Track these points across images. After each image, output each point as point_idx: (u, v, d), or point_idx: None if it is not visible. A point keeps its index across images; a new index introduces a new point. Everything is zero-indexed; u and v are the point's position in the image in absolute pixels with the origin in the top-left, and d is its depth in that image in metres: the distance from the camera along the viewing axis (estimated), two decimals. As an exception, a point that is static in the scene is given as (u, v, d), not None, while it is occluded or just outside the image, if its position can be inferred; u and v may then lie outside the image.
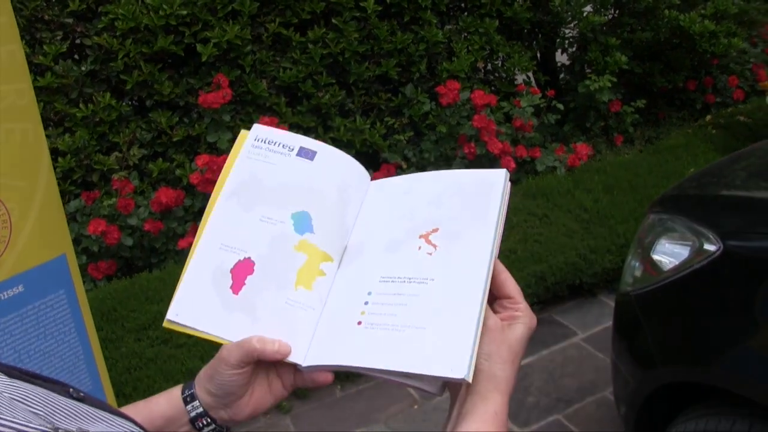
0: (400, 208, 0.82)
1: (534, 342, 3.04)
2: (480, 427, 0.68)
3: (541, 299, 3.20)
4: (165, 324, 0.79)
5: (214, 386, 0.75)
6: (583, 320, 3.17)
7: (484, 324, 0.71)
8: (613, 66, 4.53)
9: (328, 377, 0.75)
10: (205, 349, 2.72)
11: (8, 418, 0.42)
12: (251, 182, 0.84)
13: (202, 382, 0.76)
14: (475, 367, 0.68)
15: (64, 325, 1.58)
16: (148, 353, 2.72)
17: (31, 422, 0.45)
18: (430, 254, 0.75)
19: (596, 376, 2.80)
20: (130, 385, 2.58)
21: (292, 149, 0.86)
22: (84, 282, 3.23)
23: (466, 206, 0.78)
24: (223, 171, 0.86)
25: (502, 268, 0.77)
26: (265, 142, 0.87)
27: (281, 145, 0.87)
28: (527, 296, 3.40)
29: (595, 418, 2.59)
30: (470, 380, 0.66)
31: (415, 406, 2.71)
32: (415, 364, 0.67)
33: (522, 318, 0.76)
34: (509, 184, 0.81)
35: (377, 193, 0.86)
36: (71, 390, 0.58)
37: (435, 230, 0.77)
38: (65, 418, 0.51)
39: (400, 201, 0.83)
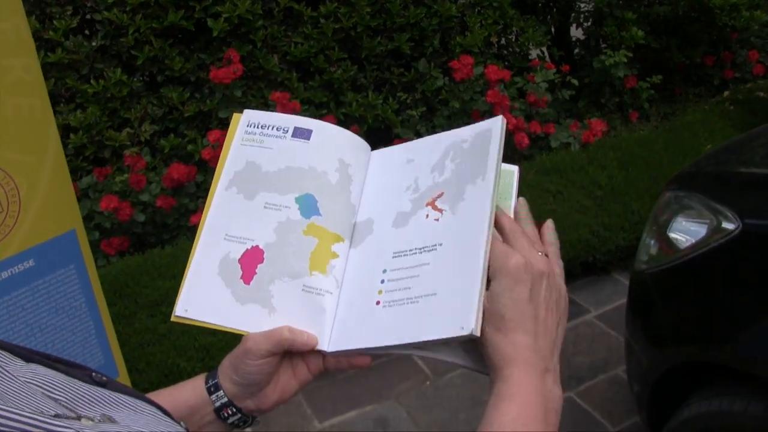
0: (404, 178, 0.80)
1: (546, 319, 3.04)
2: (496, 413, 0.62)
3: (553, 276, 3.18)
4: (173, 319, 0.78)
5: (239, 376, 0.74)
6: (596, 298, 3.16)
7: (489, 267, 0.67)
8: (629, 41, 4.45)
9: (366, 359, 0.73)
10: (218, 324, 2.73)
11: (10, 409, 0.40)
12: (249, 169, 0.82)
13: (226, 372, 0.75)
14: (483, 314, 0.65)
15: (75, 299, 1.59)
16: (160, 329, 2.73)
17: (42, 410, 0.43)
18: (437, 220, 0.73)
19: (609, 354, 2.79)
20: (144, 360, 2.59)
21: (287, 131, 0.84)
22: (97, 258, 3.30)
23: (466, 163, 0.75)
24: (219, 161, 0.83)
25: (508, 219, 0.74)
26: (257, 127, 0.85)
27: (275, 128, 0.84)
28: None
29: (607, 396, 2.58)
30: (477, 334, 0.64)
31: (427, 383, 2.71)
32: (430, 331, 0.66)
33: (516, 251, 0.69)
34: (505, 128, 0.78)
35: (380, 165, 0.84)
36: (94, 374, 0.57)
37: (440, 195, 0.75)
38: (87, 404, 0.50)
39: (403, 171, 0.81)
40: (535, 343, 0.65)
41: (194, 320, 0.77)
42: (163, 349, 2.64)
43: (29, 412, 0.41)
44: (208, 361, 2.60)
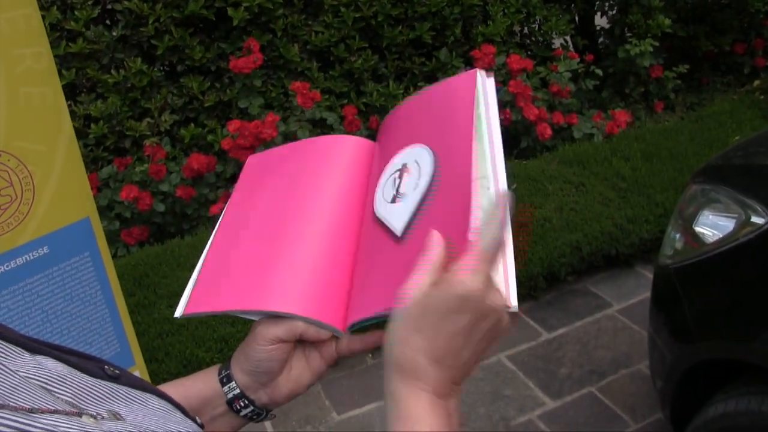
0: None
1: (568, 313, 3.01)
2: None
3: (575, 269, 3.16)
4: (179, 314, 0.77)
5: (250, 364, 0.72)
6: (619, 291, 3.12)
7: None
8: (656, 29, 4.36)
9: (379, 336, 0.64)
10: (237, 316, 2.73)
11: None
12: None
13: (238, 362, 0.73)
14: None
15: (90, 287, 1.59)
16: (179, 319, 2.72)
17: (38, 406, 0.42)
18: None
19: (631, 348, 2.75)
20: (162, 350, 2.60)
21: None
22: (117, 248, 3.32)
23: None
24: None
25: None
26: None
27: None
28: (561, 266, 3.35)
29: (629, 391, 2.54)
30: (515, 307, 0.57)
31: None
32: None
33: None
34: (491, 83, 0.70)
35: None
36: (107, 367, 0.56)
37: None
38: (95, 399, 0.49)
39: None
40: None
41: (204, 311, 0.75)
42: (181, 339, 2.65)
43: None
44: (227, 351, 2.61)
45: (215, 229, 0.84)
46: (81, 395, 0.48)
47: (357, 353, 0.74)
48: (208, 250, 0.82)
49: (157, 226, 3.51)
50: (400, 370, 0.56)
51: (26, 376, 0.46)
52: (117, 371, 0.56)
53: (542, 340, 2.86)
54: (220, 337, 2.66)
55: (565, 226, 3.18)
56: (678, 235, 1.88)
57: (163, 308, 2.79)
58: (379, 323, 0.64)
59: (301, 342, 0.73)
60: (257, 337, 0.71)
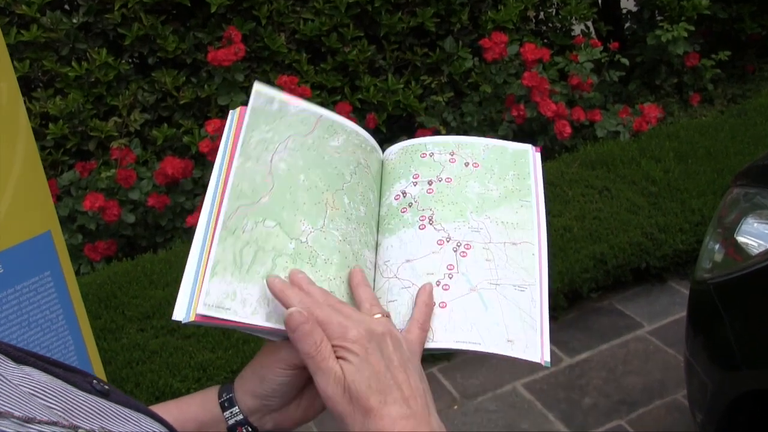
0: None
1: (592, 334, 3.01)
2: None
3: (600, 285, 3.15)
4: (191, 319, 0.72)
5: (265, 388, 0.74)
6: (650, 310, 3.11)
7: None
8: (691, 11, 4.38)
9: None
10: (217, 339, 2.72)
11: None
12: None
13: (246, 384, 0.75)
14: None
15: (51, 311, 1.58)
16: (152, 345, 2.73)
17: (36, 416, 0.44)
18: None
19: (665, 375, 2.74)
20: (132, 380, 2.59)
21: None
22: (80, 264, 3.31)
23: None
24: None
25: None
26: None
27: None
28: (584, 281, 3.35)
29: (665, 424, 2.53)
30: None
31: (455, 407, 2.68)
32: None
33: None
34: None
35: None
36: (95, 382, 0.57)
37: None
38: (85, 415, 0.50)
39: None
40: (410, 410, 0.65)
41: (220, 319, 0.71)
42: (153, 368, 2.63)
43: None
44: (204, 381, 2.60)
45: (216, 191, 0.78)
46: (71, 409, 0.49)
47: None
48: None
49: (126, 239, 3.50)
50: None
51: (18, 385, 0.48)
52: (106, 387, 0.57)
53: (563, 366, 2.85)
54: (197, 364, 2.64)
55: (587, 236, 3.17)
56: (717, 246, 1.87)
57: (133, 333, 2.78)
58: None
59: None
60: (281, 361, 0.72)
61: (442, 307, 0.79)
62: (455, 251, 0.82)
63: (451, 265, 0.81)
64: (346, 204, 0.82)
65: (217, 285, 0.71)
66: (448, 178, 0.88)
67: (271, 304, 0.73)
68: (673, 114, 4.47)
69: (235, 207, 0.76)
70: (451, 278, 0.80)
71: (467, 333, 0.77)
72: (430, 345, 0.77)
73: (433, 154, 0.91)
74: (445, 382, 2.78)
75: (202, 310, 0.70)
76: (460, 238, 0.83)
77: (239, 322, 0.71)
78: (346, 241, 0.80)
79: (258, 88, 0.85)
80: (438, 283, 0.80)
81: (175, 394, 2.54)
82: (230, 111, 0.85)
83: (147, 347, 2.72)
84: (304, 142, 0.84)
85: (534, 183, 0.90)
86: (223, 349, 2.69)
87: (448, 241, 0.83)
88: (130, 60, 3.78)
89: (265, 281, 0.73)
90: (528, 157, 0.92)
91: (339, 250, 0.79)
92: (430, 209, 0.85)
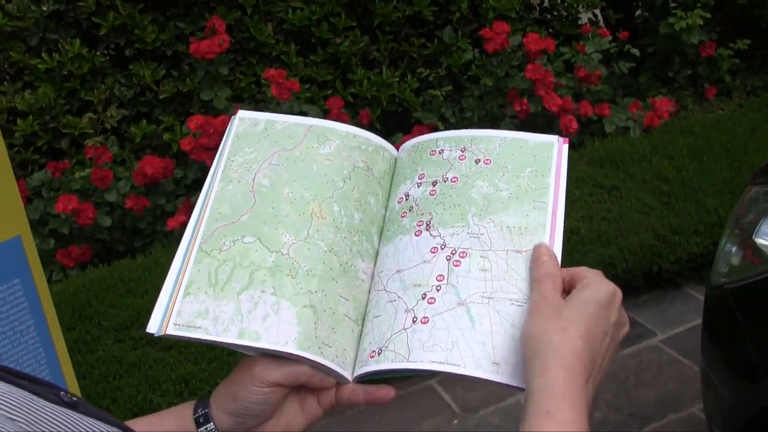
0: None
1: (601, 344, 3.00)
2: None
3: (610, 291, 3.15)
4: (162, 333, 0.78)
5: (239, 405, 0.75)
6: (663, 317, 3.11)
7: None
8: (707, -3, 4.38)
9: (389, 391, 0.77)
10: (200, 350, 2.72)
11: None
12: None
13: (220, 401, 0.76)
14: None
15: (20, 322, 1.57)
16: (130, 357, 2.73)
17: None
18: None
19: (680, 387, 2.74)
20: (109, 396, 2.58)
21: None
22: (52, 271, 3.30)
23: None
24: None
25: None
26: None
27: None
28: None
29: (679, 439, 2.53)
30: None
31: (455, 421, 2.68)
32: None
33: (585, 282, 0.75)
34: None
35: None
36: (62, 393, 0.58)
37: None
38: (51, 427, 0.50)
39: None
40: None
41: (190, 337, 0.77)
42: (132, 382, 2.63)
43: None
44: (187, 395, 2.59)
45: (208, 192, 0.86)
46: (36, 421, 0.50)
47: (357, 405, 0.77)
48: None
49: (101, 244, 3.49)
50: (561, 358, 0.67)
51: None
52: (75, 398, 0.57)
53: (571, 378, 2.84)
54: (179, 377, 2.64)
55: (595, 238, 3.17)
56: (734, 248, 1.87)
57: (110, 344, 2.78)
58: (386, 378, 0.75)
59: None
60: (255, 377, 0.74)
61: (424, 323, 0.75)
62: (448, 260, 0.79)
63: (441, 275, 0.78)
64: (336, 212, 0.83)
65: (189, 305, 0.78)
66: (454, 177, 0.85)
67: (245, 320, 0.76)
68: (687, 108, 4.48)
69: (213, 228, 0.82)
70: (438, 290, 0.77)
71: (447, 353, 0.73)
72: (403, 365, 0.74)
73: (443, 151, 0.88)
74: (444, 395, 2.77)
75: (172, 330, 0.76)
76: (456, 245, 0.80)
77: (209, 340, 0.76)
78: (332, 251, 0.81)
79: (242, 115, 0.91)
80: (424, 296, 0.77)
81: (155, 410, 2.53)
82: (232, 117, 0.91)
83: (125, 360, 2.71)
84: (291, 155, 0.87)
85: (554, 182, 0.84)
86: (207, 361, 2.68)
87: (442, 249, 0.80)
88: (105, 52, 3.78)
89: (240, 297, 0.77)
90: (551, 151, 0.86)
91: (323, 261, 0.80)
92: (429, 213, 0.83)
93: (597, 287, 0.73)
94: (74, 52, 3.53)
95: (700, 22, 4.29)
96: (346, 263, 0.81)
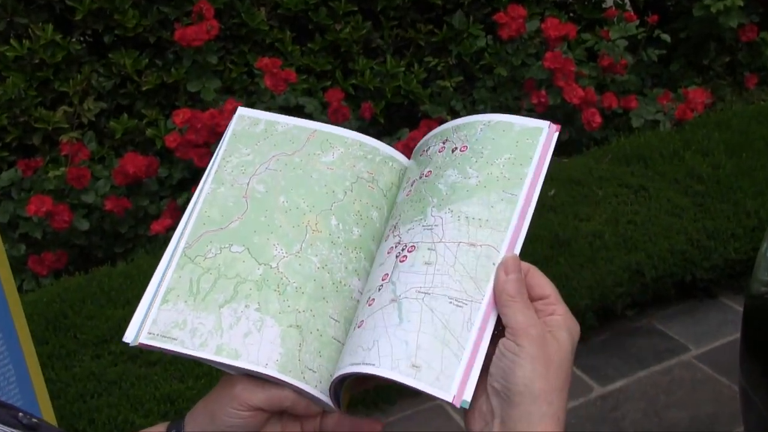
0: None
1: (627, 359, 2.99)
2: None
3: (636, 301, 3.14)
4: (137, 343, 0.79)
5: (215, 427, 0.76)
6: (697, 330, 3.11)
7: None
8: (747, -26, 4.37)
9: (377, 426, 0.79)
10: (187, 366, 2.71)
11: None
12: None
13: (197, 420, 0.78)
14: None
15: (-12, 336, 1.57)
16: (109, 374, 2.72)
17: None
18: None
19: (717, 407, 2.73)
20: (86, 417, 2.58)
21: None
22: (23, 279, 3.29)
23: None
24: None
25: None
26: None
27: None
28: (617, 296, 3.35)
29: (715, 465, 2.52)
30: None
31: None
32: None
33: (561, 321, 0.75)
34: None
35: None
36: (20, 415, 0.58)
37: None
38: None
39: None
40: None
41: (165, 349, 0.78)
42: (112, 402, 2.62)
43: None
44: (172, 416, 2.58)
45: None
46: None
47: None
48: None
49: (78, 249, 3.49)
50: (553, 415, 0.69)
51: None
52: (34, 420, 0.58)
53: (594, 397, 2.84)
54: (164, 396, 2.64)
55: (621, 243, 3.16)
56: (777, 254, 1.86)
57: (87, 360, 2.77)
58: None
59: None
60: (234, 399, 0.75)
61: (359, 327, 0.76)
62: (397, 257, 0.78)
63: (386, 274, 0.78)
64: (333, 226, 0.83)
65: (166, 313, 0.78)
66: (428, 171, 0.84)
67: (225, 335, 0.76)
68: (724, 99, 4.48)
69: (199, 233, 0.83)
70: (379, 290, 0.77)
71: (366, 353, 0.72)
72: (334, 374, 0.76)
73: (428, 148, 0.87)
74: (453, 414, 2.76)
75: (146, 339, 0.78)
76: (408, 240, 0.79)
77: (185, 354, 0.76)
78: (325, 268, 0.81)
79: (241, 112, 0.92)
80: (368, 300, 0.77)
81: (136, 432, 2.53)
82: (235, 114, 0.92)
83: (104, 377, 2.70)
84: (290, 160, 0.87)
85: (533, 173, 0.80)
86: (194, 378, 2.68)
87: (396, 247, 0.80)
88: (81, 38, 3.78)
89: (221, 310, 0.78)
90: (538, 138, 0.83)
91: (314, 279, 0.80)
92: (399, 215, 0.83)
93: (575, 329, 0.76)
94: (47, 38, 3.53)
95: (740, 2, 4.27)
96: (340, 282, 0.81)
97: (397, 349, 0.71)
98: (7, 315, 1.61)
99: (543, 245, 3.10)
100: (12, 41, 3.54)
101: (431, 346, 0.71)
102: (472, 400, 0.70)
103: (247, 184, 0.85)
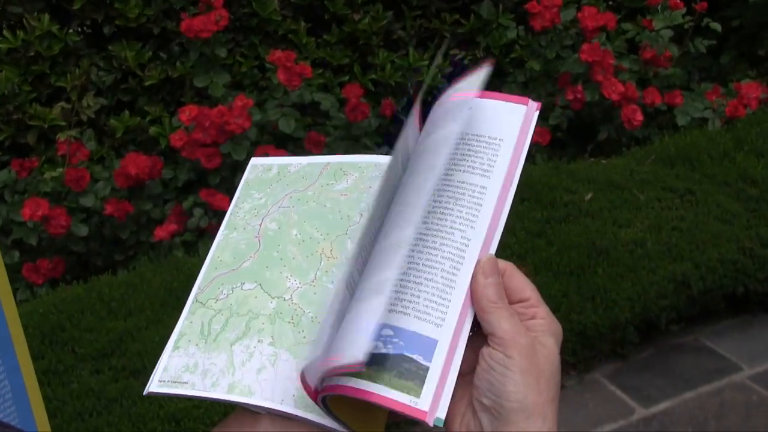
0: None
1: (673, 379, 2.98)
2: None
3: (682, 315, 3.13)
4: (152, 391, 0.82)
5: None
6: (751, 348, 3.10)
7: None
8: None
9: None
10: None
11: None
12: None
13: None
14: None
15: (-17, 349, 1.59)
16: (110, 391, 2.73)
17: None
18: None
19: (771, 431, 2.72)
20: (84, 436, 2.60)
21: None
22: (17, 289, 3.30)
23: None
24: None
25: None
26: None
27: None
28: (661, 310, 3.33)
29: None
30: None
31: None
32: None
33: (546, 325, 0.74)
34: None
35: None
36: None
37: None
38: None
39: None
40: None
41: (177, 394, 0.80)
42: (112, 420, 2.63)
43: None
44: (177, 436, 2.60)
45: None
46: None
47: None
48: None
49: (76, 256, 3.50)
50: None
51: None
52: None
53: (635, 419, 2.83)
54: (168, 415, 2.64)
55: (665, 252, 3.15)
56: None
57: (86, 375, 2.78)
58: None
59: None
60: None
61: None
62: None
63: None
64: (349, 249, 0.85)
65: (177, 359, 0.81)
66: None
67: (237, 373, 0.78)
68: (779, 95, 4.45)
69: (211, 278, 0.86)
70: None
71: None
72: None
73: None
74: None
75: (156, 387, 0.81)
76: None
77: (197, 396, 0.78)
78: None
79: (254, 162, 0.96)
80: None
81: (138, 455, 2.55)
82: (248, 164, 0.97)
83: (104, 394, 2.70)
84: (303, 195, 0.90)
85: (510, 155, 0.81)
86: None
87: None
88: (80, 29, 3.80)
89: (233, 347, 0.79)
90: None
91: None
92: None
93: (558, 332, 0.74)
94: (42, 29, 3.55)
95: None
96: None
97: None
98: (5, 329, 1.62)
99: (579, 254, 3.09)
100: (5, 32, 3.57)
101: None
102: (455, 417, 0.70)
103: (260, 225, 0.88)
